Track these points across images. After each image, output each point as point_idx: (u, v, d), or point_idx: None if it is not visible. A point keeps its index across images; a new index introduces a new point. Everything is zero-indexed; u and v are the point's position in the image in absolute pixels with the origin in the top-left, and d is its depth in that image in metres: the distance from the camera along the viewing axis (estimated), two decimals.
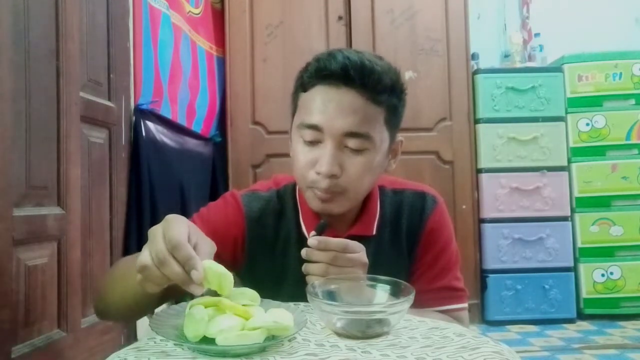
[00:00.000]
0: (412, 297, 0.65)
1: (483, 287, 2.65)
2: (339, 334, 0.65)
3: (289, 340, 0.62)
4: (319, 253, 0.78)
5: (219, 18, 2.65)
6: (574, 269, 2.65)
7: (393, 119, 0.86)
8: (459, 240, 1.05)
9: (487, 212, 2.64)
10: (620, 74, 2.67)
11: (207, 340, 0.57)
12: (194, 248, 0.60)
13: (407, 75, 2.61)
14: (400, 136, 0.91)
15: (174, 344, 0.60)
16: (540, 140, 2.65)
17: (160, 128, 1.95)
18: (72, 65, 1.40)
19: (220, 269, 0.61)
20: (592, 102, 2.67)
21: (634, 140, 2.66)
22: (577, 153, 2.68)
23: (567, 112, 2.69)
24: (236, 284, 0.63)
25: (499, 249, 2.62)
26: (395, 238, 0.94)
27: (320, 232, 0.83)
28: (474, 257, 2.62)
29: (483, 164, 2.66)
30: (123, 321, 1.54)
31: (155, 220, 0.59)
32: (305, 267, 0.79)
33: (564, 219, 2.65)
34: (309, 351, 0.59)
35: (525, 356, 2.11)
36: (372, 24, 2.66)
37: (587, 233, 2.64)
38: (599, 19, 3.06)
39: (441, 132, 2.66)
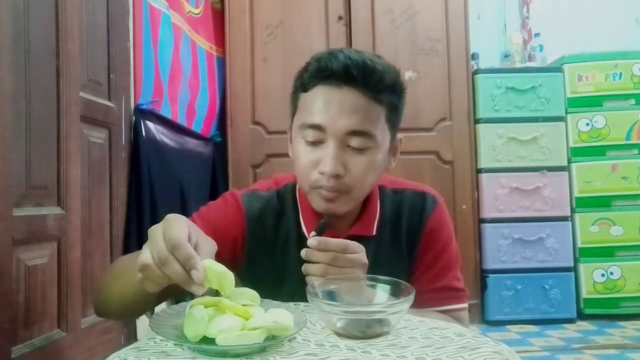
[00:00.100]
0: (412, 297, 0.65)
1: (483, 287, 2.65)
2: (339, 334, 0.65)
3: (289, 340, 0.62)
4: (319, 253, 0.78)
5: (219, 18, 2.65)
6: (574, 269, 2.65)
7: (394, 118, 0.87)
8: (459, 240, 1.05)
9: (487, 212, 2.64)
10: (620, 74, 2.67)
11: (207, 340, 0.57)
12: (195, 247, 0.60)
13: (407, 75, 2.61)
14: (399, 135, 0.92)
15: (174, 344, 0.60)
16: (540, 140, 2.65)
17: (160, 128, 1.95)
18: (72, 65, 1.40)
19: (221, 268, 0.61)
20: (592, 102, 2.67)
21: (634, 140, 2.66)
22: (577, 153, 2.68)
23: (567, 112, 2.69)
24: (236, 284, 0.63)
25: (499, 249, 2.62)
26: (395, 238, 0.94)
27: (320, 232, 0.83)
28: (474, 257, 2.62)
29: (483, 164, 2.66)
30: (122, 319, 1.54)
31: (155, 220, 0.59)
32: (305, 268, 0.79)
33: (564, 219, 2.65)
34: (309, 351, 0.59)
35: (525, 356, 2.11)
36: (372, 24, 2.66)
37: (587, 233, 2.64)
38: (599, 19, 3.06)
39: (441, 132, 2.66)
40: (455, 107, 2.66)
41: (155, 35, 1.94)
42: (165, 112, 2.02)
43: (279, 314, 0.61)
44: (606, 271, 2.62)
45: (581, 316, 2.64)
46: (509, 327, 2.59)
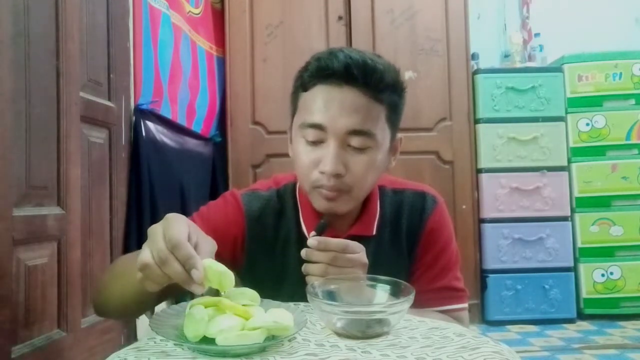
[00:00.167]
0: (412, 297, 0.65)
1: (483, 287, 2.65)
2: (339, 334, 0.65)
3: (289, 340, 0.62)
4: (319, 253, 0.78)
5: (219, 18, 2.65)
6: (574, 269, 2.65)
7: (394, 117, 0.87)
8: (459, 240, 1.05)
9: (487, 212, 2.64)
10: (620, 74, 2.67)
11: (207, 340, 0.57)
12: (195, 247, 0.60)
13: (407, 75, 2.61)
14: (399, 134, 0.92)
15: (174, 344, 0.60)
16: (540, 140, 2.65)
17: (160, 128, 1.95)
18: (72, 65, 1.40)
19: (221, 267, 0.61)
20: (592, 102, 2.67)
21: (634, 140, 2.66)
22: (577, 153, 2.68)
23: (567, 112, 2.69)
24: (236, 284, 0.63)
25: (499, 249, 2.62)
26: (395, 238, 0.94)
27: (320, 232, 0.83)
28: (474, 257, 2.62)
29: (483, 164, 2.66)
30: (122, 319, 1.54)
31: (155, 220, 0.59)
32: (305, 268, 0.79)
33: (564, 219, 2.65)
34: (309, 351, 0.59)
35: (525, 356, 2.11)
36: (372, 24, 2.66)
37: (587, 233, 2.64)
38: (599, 19, 3.06)
39: (441, 132, 2.66)
40: (455, 107, 2.66)
41: (155, 35, 1.94)
42: (165, 112, 2.02)
43: (279, 314, 0.61)
44: (606, 271, 2.62)
45: (581, 316, 2.64)
46: (509, 327, 2.59)
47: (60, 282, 1.35)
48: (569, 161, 2.68)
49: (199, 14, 2.43)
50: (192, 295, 0.62)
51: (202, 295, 0.62)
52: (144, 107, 1.84)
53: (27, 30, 1.21)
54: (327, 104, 0.81)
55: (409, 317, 0.72)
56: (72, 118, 1.40)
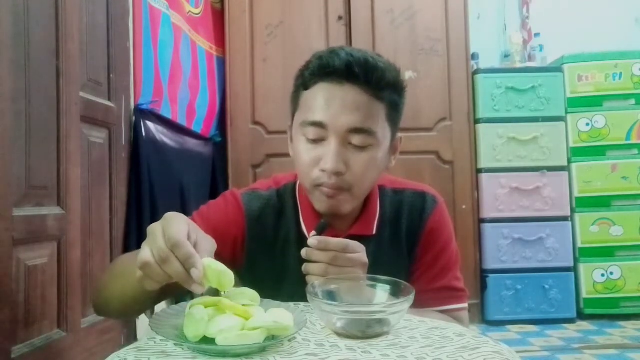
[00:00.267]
0: (412, 297, 0.65)
1: (483, 287, 2.65)
2: (339, 334, 0.65)
3: (289, 340, 0.62)
4: (319, 253, 0.78)
5: (219, 18, 2.65)
6: (574, 269, 2.65)
7: (394, 116, 0.87)
8: (459, 240, 1.05)
9: (487, 212, 2.64)
10: (620, 74, 2.67)
11: (207, 340, 0.57)
12: (194, 246, 0.60)
13: (407, 75, 2.61)
14: (399, 134, 0.92)
15: (174, 344, 0.59)
16: (540, 140, 2.65)
17: (160, 128, 1.95)
18: (72, 65, 1.40)
19: (221, 266, 0.61)
20: (592, 102, 2.67)
21: (634, 140, 2.66)
22: (577, 153, 2.68)
23: (567, 112, 2.69)
24: (236, 284, 0.63)
25: (499, 249, 2.62)
26: (395, 238, 0.94)
27: (320, 232, 0.83)
28: (474, 257, 2.62)
29: (483, 164, 2.66)
30: (122, 318, 1.54)
31: (155, 220, 0.59)
32: (305, 267, 0.79)
33: (564, 219, 2.65)
34: (309, 351, 0.59)
35: (525, 356, 2.11)
36: (372, 24, 2.66)
37: (587, 233, 2.64)
38: (599, 19, 3.06)
39: (441, 132, 2.66)
40: (455, 107, 2.66)
41: (155, 35, 1.94)
42: (165, 112, 2.02)
43: (279, 314, 0.61)
44: (606, 271, 2.62)
45: (581, 316, 2.64)
46: (509, 327, 2.59)
47: (60, 282, 1.35)
48: (569, 161, 2.68)
49: (199, 14, 2.43)
50: (192, 295, 0.62)
51: (202, 294, 0.62)
52: (144, 107, 1.84)
53: (27, 30, 1.21)
54: (328, 102, 0.81)
55: (409, 317, 0.72)
56: (72, 118, 1.40)
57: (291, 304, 0.71)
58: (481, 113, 2.66)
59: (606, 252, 2.63)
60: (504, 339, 2.35)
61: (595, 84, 2.68)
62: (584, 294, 2.63)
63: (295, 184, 0.96)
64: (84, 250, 1.47)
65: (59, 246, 1.35)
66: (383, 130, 0.84)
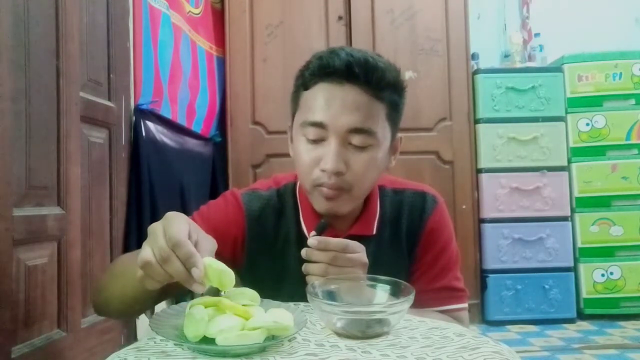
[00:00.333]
0: (412, 297, 0.65)
1: (483, 287, 2.65)
2: (339, 334, 0.65)
3: (289, 340, 0.62)
4: (319, 253, 0.78)
5: (219, 18, 2.65)
6: (574, 269, 2.65)
7: (394, 116, 0.87)
8: (459, 240, 1.05)
9: (487, 212, 2.64)
10: (620, 74, 2.67)
11: (207, 340, 0.57)
12: (195, 245, 0.60)
13: (407, 75, 2.61)
14: (399, 134, 0.92)
15: (174, 344, 0.59)
16: (540, 140, 2.65)
17: (160, 128, 1.95)
18: (72, 65, 1.40)
19: (221, 266, 0.61)
20: (592, 102, 2.67)
21: (634, 140, 2.66)
22: (577, 153, 2.68)
23: (567, 112, 2.69)
24: (236, 284, 0.63)
25: (499, 249, 2.62)
26: (395, 238, 0.94)
27: (320, 232, 0.83)
28: (474, 257, 2.62)
29: (483, 164, 2.66)
30: (122, 318, 1.54)
31: (155, 220, 0.60)
32: (305, 267, 0.79)
33: (564, 219, 2.65)
34: (309, 351, 0.59)
35: (525, 356, 2.11)
36: (372, 24, 2.66)
37: (587, 233, 2.64)
38: (599, 19, 3.06)
39: (441, 132, 2.66)
40: (455, 107, 2.66)
41: (155, 35, 1.94)
42: (165, 112, 2.02)
43: (279, 314, 0.61)
44: (606, 271, 2.62)
45: (581, 316, 2.64)
46: (509, 327, 2.59)
47: (60, 282, 1.35)
48: (569, 161, 2.68)
49: (199, 14, 2.43)
50: (193, 295, 0.62)
51: (203, 294, 0.62)
52: (144, 107, 1.84)
53: (27, 30, 1.21)
54: (328, 102, 0.81)
55: (409, 317, 0.72)
56: (72, 118, 1.40)
57: (291, 304, 0.71)
58: (481, 113, 2.66)
59: (606, 252, 2.63)
60: (504, 339, 2.35)
61: (595, 84, 2.68)
62: (584, 294, 2.63)
63: (295, 184, 0.96)
64: (84, 250, 1.47)
65: (59, 246, 1.35)
66: (383, 130, 0.84)
